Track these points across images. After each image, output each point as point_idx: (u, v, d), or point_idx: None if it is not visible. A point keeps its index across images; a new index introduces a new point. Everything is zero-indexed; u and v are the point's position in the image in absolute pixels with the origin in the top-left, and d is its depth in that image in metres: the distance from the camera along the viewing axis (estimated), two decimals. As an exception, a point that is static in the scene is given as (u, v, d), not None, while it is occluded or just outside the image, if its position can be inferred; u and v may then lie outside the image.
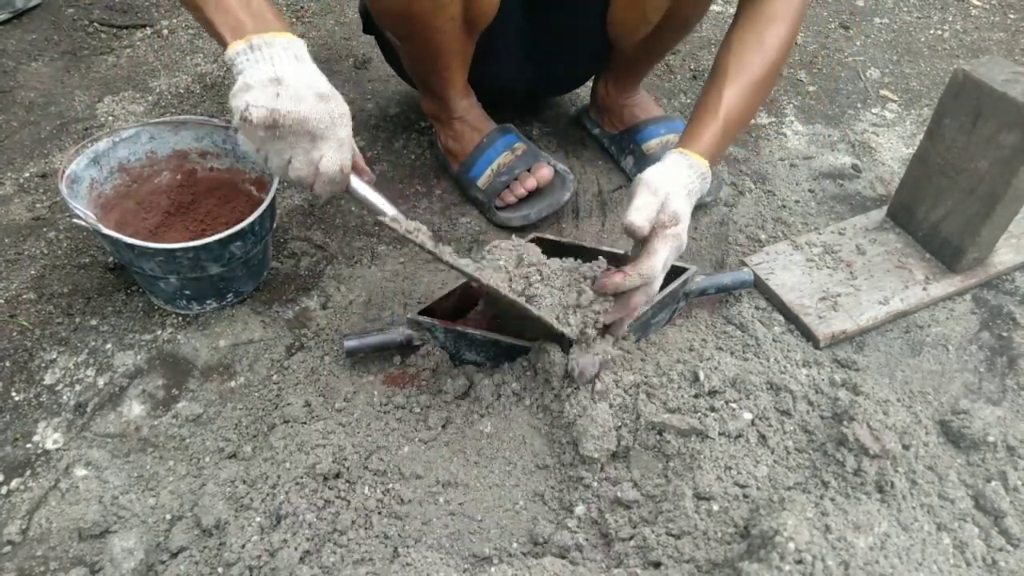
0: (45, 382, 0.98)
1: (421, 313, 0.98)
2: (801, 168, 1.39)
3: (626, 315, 0.90)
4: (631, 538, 0.81)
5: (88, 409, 0.95)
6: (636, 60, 1.27)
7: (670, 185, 0.88)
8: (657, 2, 1.04)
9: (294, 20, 1.76)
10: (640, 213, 0.85)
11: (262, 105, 0.76)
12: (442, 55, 1.09)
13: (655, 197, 0.86)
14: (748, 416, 0.89)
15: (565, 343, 0.90)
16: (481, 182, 1.22)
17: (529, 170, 1.21)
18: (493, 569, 0.74)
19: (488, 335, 0.95)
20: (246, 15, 0.78)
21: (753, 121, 1.51)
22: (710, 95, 0.96)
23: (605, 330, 0.92)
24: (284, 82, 0.76)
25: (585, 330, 0.87)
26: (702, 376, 0.91)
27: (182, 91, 1.50)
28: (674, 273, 1.04)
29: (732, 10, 1.88)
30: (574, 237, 1.22)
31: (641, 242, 0.88)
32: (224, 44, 0.78)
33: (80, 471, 0.88)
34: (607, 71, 1.33)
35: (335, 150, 0.80)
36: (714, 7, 1.09)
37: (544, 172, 1.20)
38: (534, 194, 1.22)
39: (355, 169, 0.85)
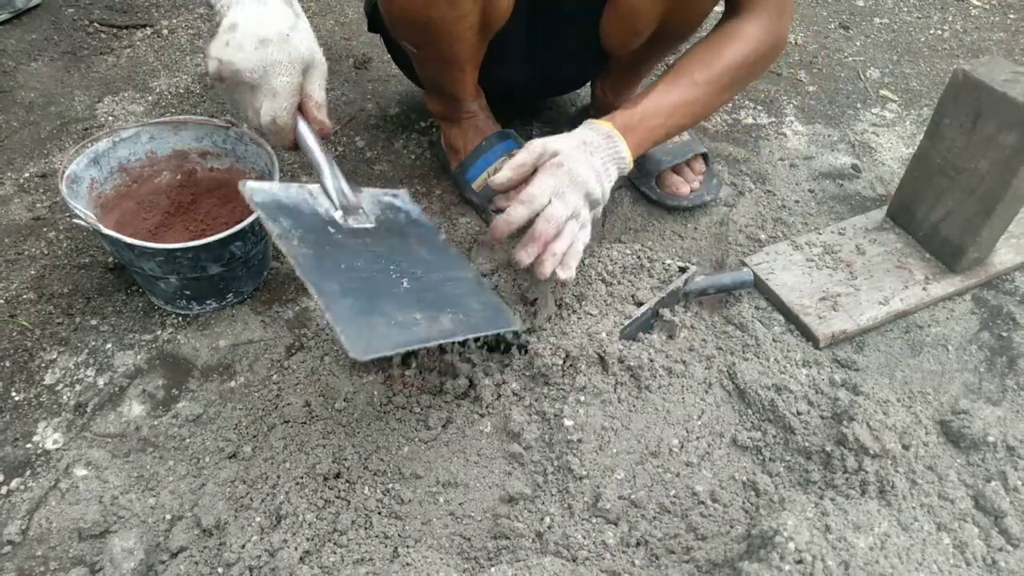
0: (45, 382, 0.98)
1: None
2: (801, 168, 1.39)
3: (531, 243, 0.86)
4: (631, 537, 0.81)
5: (88, 409, 0.95)
6: (631, 67, 1.27)
7: (557, 137, 0.91)
8: (647, 17, 1.04)
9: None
10: (503, 169, 0.90)
11: (213, 56, 0.76)
12: (458, 61, 1.09)
13: (526, 151, 0.90)
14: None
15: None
16: (476, 184, 1.23)
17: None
18: (493, 569, 0.74)
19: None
20: None
21: (753, 121, 1.51)
22: (645, 89, 1.01)
23: (531, 276, 0.90)
24: (237, 29, 0.75)
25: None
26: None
27: (182, 91, 1.50)
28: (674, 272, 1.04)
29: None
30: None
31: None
32: None
33: (80, 471, 0.88)
34: (604, 74, 1.34)
35: (269, 100, 0.78)
36: (717, 8, 1.08)
37: None
38: None
39: (307, 118, 0.82)
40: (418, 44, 1.06)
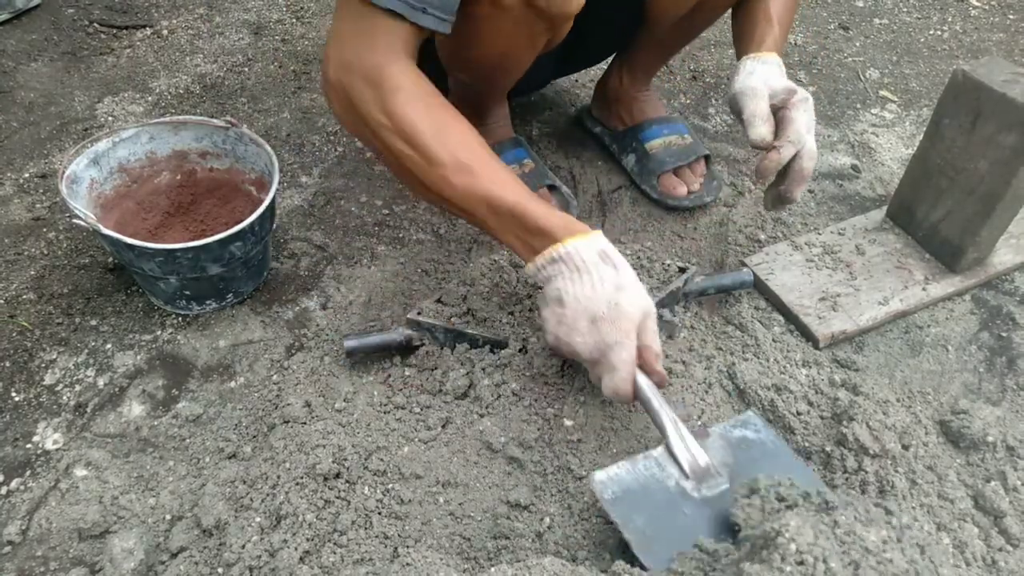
0: (45, 382, 0.98)
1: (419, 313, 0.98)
2: (801, 168, 1.39)
3: (803, 182, 0.96)
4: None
5: (88, 409, 0.95)
6: (663, 44, 1.26)
7: (762, 78, 0.94)
8: None
9: (294, 20, 1.77)
10: (757, 123, 0.92)
11: (550, 332, 0.80)
12: (507, 85, 1.08)
13: (758, 98, 0.93)
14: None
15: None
16: None
17: None
18: (493, 569, 0.74)
19: (488, 336, 0.95)
20: (527, 234, 0.80)
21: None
22: (756, 9, 1.03)
23: (784, 202, 1.00)
24: (565, 304, 0.78)
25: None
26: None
27: (182, 91, 1.50)
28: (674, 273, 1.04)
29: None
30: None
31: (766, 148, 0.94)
32: (524, 258, 0.83)
33: (80, 471, 0.88)
34: (625, 60, 1.32)
35: (608, 374, 0.78)
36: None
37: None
38: None
39: (644, 369, 0.80)
40: (478, 80, 1.04)
